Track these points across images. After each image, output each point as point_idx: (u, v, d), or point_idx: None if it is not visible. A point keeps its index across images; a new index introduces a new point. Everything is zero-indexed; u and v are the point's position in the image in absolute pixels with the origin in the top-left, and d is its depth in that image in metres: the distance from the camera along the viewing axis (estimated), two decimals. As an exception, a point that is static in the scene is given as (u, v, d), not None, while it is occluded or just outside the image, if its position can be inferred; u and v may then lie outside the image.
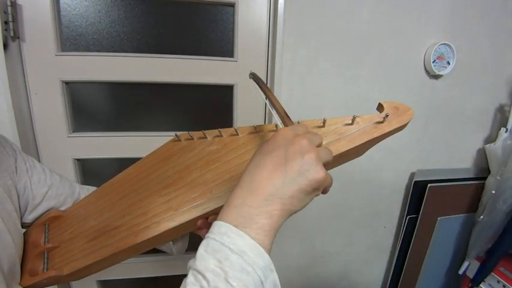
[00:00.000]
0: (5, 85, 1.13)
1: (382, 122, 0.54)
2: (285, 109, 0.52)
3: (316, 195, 0.42)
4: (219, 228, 0.38)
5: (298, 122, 0.57)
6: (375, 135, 0.53)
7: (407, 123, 0.54)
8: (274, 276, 0.37)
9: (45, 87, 1.25)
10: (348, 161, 0.60)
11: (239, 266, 0.34)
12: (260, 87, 0.61)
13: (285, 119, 0.51)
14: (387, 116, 0.53)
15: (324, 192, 0.45)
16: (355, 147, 0.53)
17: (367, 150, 0.59)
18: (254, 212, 0.38)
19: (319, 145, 0.43)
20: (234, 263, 0.34)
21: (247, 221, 0.37)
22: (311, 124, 0.57)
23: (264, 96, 0.59)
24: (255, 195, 0.39)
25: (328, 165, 0.58)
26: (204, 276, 0.34)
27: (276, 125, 0.59)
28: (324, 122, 0.56)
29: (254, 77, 0.65)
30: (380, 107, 0.56)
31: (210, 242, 0.37)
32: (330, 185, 0.43)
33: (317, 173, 0.39)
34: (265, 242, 0.37)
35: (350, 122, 0.55)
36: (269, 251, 0.37)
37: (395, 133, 0.55)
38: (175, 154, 0.68)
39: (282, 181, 0.39)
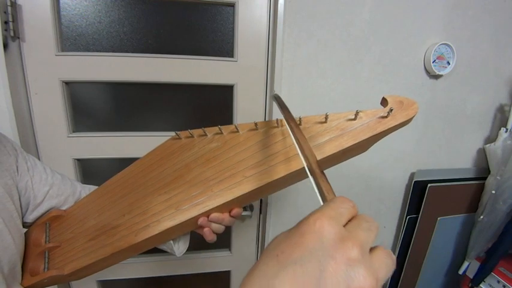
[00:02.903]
0: (5, 85, 1.12)
1: (386, 117, 0.53)
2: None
3: None
4: None
5: (300, 119, 0.56)
6: (379, 130, 0.52)
7: (413, 117, 0.53)
8: None
9: (45, 87, 1.25)
10: (352, 157, 0.59)
11: None
12: (285, 118, 0.49)
13: (321, 181, 0.33)
14: (391, 110, 0.52)
15: None
16: (358, 142, 0.52)
17: (372, 145, 0.58)
18: None
19: (374, 239, 0.27)
20: None
21: None
22: (313, 120, 0.56)
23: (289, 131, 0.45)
24: None
25: (330, 163, 0.58)
26: None
27: (277, 120, 0.59)
28: (326, 117, 0.55)
29: (278, 100, 0.55)
30: (384, 102, 0.55)
31: None
32: None
33: None
34: None
35: (353, 117, 0.54)
36: None
37: (399, 128, 0.54)
38: (175, 152, 0.67)
39: None
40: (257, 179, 0.55)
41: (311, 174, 0.35)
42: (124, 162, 1.35)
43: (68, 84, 1.29)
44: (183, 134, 0.70)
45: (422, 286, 1.88)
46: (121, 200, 0.66)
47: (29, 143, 1.28)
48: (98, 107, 1.39)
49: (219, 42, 1.38)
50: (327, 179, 0.33)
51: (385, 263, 0.26)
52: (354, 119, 0.54)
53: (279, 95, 0.56)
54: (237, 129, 0.63)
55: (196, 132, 0.67)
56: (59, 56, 1.23)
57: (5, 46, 1.12)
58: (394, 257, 0.27)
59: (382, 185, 1.65)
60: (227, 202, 0.56)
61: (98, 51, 1.28)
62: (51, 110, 1.28)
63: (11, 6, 1.11)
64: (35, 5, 1.16)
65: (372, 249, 0.27)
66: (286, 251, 0.26)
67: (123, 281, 1.65)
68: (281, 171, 0.54)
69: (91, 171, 1.45)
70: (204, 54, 1.36)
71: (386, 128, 0.52)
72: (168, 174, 0.64)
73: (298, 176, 0.56)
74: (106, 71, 1.28)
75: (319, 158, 0.52)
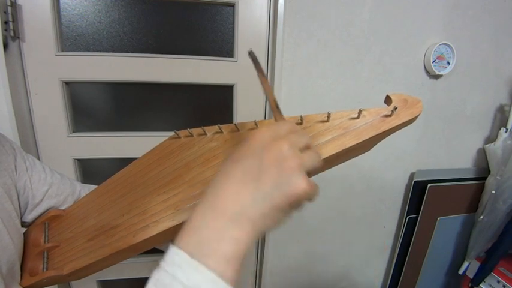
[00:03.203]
0: (5, 85, 1.12)
1: (390, 116, 0.51)
2: (278, 102, 0.46)
3: (296, 211, 0.36)
4: (173, 256, 0.32)
5: (301, 118, 0.56)
6: (383, 129, 0.50)
7: (417, 116, 0.51)
8: None
9: (45, 87, 1.25)
10: (354, 156, 0.58)
11: None
12: (257, 70, 0.55)
13: (275, 112, 0.45)
14: (396, 109, 0.51)
15: (310, 201, 0.38)
16: (361, 142, 0.50)
17: (375, 144, 0.56)
18: (215, 237, 0.32)
19: (306, 147, 0.37)
20: None
21: (205, 248, 0.32)
22: (315, 118, 0.55)
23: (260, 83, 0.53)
24: (218, 214, 0.33)
25: (332, 163, 0.57)
26: None
27: (276, 118, 0.58)
28: (329, 116, 0.53)
29: (252, 56, 0.59)
30: (388, 100, 0.53)
31: (161, 276, 0.31)
32: (315, 195, 0.36)
33: (297, 185, 0.33)
34: (228, 273, 0.31)
35: (356, 115, 0.52)
36: (234, 281, 0.32)
37: (404, 127, 0.52)
38: (175, 151, 0.67)
39: (253, 197, 0.33)
40: None
41: (272, 110, 0.46)
42: (124, 162, 1.34)
43: (68, 84, 1.29)
44: (182, 133, 0.69)
45: (422, 286, 1.88)
46: (120, 200, 0.66)
47: (29, 143, 1.28)
48: (98, 107, 1.39)
49: (219, 42, 1.38)
50: (280, 111, 0.45)
51: (311, 156, 0.36)
52: (357, 118, 0.52)
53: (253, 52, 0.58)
54: (237, 128, 0.62)
55: (196, 131, 0.67)
56: (59, 56, 1.23)
57: (5, 46, 1.12)
58: (320, 154, 0.39)
59: (382, 185, 1.65)
60: (227, 202, 0.55)
61: (98, 51, 1.28)
62: (51, 110, 1.28)
63: (11, 6, 1.11)
64: (35, 5, 1.16)
65: None
66: (236, 153, 0.37)
67: (123, 281, 1.64)
68: None
69: (91, 171, 1.45)
70: (204, 54, 1.36)
71: (390, 127, 0.50)
72: (167, 173, 0.63)
73: None
74: (106, 71, 1.28)
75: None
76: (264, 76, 0.52)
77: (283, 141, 0.35)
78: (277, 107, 0.45)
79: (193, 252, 0.31)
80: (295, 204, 0.34)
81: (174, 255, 0.32)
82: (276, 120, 0.43)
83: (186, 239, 0.33)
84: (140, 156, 0.74)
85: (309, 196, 0.35)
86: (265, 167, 0.33)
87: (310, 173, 0.37)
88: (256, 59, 0.55)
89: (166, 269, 0.32)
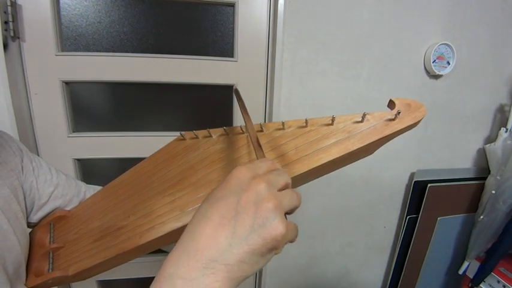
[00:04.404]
0: (5, 85, 1.12)
1: (393, 120, 0.51)
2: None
3: (275, 254, 0.34)
4: None
5: (306, 121, 0.56)
6: (386, 133, 0.51)
7: (420, 120, 0.51)
8: None
9: (45, 87, 1.24)
10: (357, 159, 0.58)
11: None
12: (240, 107, 0.59)
13: (256, 150, 0.45)
14: (399, 113, 0.51)
15: (290, 241, 0.36)
16: (365, 145, 0.51)
17: (378, 148, 0.57)
18: (188, 287, 0.29)
19: (285, 186, 0.36)
20: None
21: None
22: (320, 122, 0.55)
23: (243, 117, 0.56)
24: (192, 261, 0.30)
25: (336, 166, 0.58)
26: None
27: (283, 123, 0.58)
28: (333, 120, 0.54)
29: (236, 94, 0.63)
30: (391, 104, 0.53)
31: None
32: (295, 238, 0.35)
33: (275, 228, 0.31)
34: None
35: (360, 119, 0.53)
36: None
37: (407, 131, 0.53)
38: (180, 153, 0.67)
39: (229, 241, 0.31)
40: None
41: (254, 147, 0.47)
42: (124, 162, 1.34)
43: (68, 84, 1.28)
44: (187, 135, 0.69)
45: (422, 286, 1.88)
46: (126, 201, 0.66)
47: (29, 143, 1.27)
48: (98, 107, 1.38)
49: (219, 42, 1.38)
50: (262, 150, 0.46)
51: (290, 195, 0.35)
52: (361, 122, 0.53)
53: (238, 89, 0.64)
54: (242, 130, 0.62)
55: (201, 133, 0.67)
56: (59, 56, 1.22)
57: (5, 46, 1.12)
58: (299, 194, 0.37)
59: (382, 185, 1.66)
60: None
61: (98, 51, 1.28)
62: (51, 110, 1.27)
63: (11, 6, 1.10)
64: (35, 5, 1.16)
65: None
66: (214, 194, 0.35)
67: (123, 281, 1.64)
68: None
69: (91, 171, 1.44)
70: (204, 54, 1.36)
71: (393, 131, 0.51)
72: (173, 175, 0.63)
73: (302, 179, 0.56)
74: (106, 71, 1.28)
75: (325, 161, 0.51)
76: (247, 114, 0.55)
77: (261, 181, 0.33)
78: (259, 145, 0.47)
79: None
80: (273, 247, 0.32)
81: None
82: (256, 157, 0.44)
83: None
84: (140, 156, 0.73)
85: (287, 239, 0.33)
86: (242, 208, 0.32)
87: (289, 212, 0.36)
88: (240, 96, 0.60)
89: None
